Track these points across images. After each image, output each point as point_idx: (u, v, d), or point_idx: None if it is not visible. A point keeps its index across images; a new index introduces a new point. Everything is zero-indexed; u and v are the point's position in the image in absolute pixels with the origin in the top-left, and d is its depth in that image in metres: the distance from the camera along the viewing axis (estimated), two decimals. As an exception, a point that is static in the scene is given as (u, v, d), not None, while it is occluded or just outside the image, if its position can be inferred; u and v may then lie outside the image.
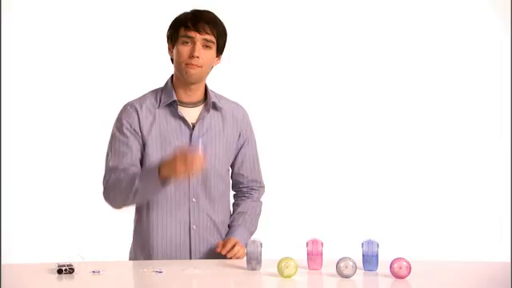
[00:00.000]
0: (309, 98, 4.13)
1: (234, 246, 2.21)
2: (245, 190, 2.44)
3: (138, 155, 2.24)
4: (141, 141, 2.25)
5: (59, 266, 1.97)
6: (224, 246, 2.21)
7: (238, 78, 3.91)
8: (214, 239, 2.31)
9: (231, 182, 2.44)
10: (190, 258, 2.28)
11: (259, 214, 2.45)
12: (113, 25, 3.99)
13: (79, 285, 1.90)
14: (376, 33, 4.12)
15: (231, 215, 2.41)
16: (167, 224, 2.27)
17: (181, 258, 2.28)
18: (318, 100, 4.13)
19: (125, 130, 2.25)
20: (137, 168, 2.22)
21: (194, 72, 2.21)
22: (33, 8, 3.98)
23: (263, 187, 2.49)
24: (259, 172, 2.46)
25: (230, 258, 2.20)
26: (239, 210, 2.40)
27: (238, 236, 2.29)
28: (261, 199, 2.49)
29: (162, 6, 2.32)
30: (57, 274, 1.95)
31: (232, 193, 2.47)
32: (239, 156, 2.38)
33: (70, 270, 1.96)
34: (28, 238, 3.94)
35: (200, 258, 2.28)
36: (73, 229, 3.91)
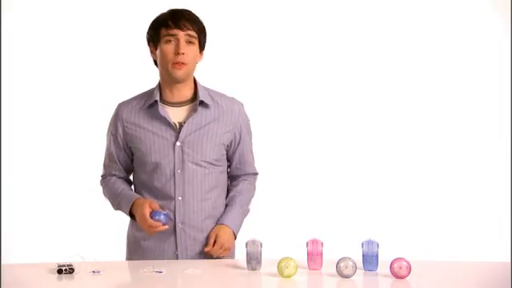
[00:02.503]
0: (309, 98, 4.12)
1: (220, 246, 2.27)
2: (240, 176, 2.44)
3: (124, 160, 2.38)
4: (125, 145, 2.34)
5: (59, 266, 1.97)
6: (212, 245, 2.27)
7: (238, 77, 3.91)
8: (203, 238, 2.31)
9: (231, 172, 2.45)
10: (176, 255, 2.29)
11: (253, 196, 2.46)
12: (112, 25, 3.99)
13: (79, 285, 1.90)
14: (376, 32, 4.12)
15: (228, 195, 2.42)
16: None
17: (167, 255, 2.29)
18: (318, 101, 4.13)
19: (112, 136, 2.36)
20: (122, 173, 2.40)
21: (180, 72, 2.24)
22: (33, 8, 3.98)
23: (257, 173, 2.49)
24: (253, 162, 2.46)
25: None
26: (236, 189, 2.40)
27: (229, 221, 2.31)
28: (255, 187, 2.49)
29: (161, 7, 2.32)
30: (57, 274, 1.95)
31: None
32: (237, 153, 2.39)
33: (70, 270, 1.96)
34: (28, 238, 3.94)
35: (186, 256, 2.29)
36: (73, 229, 3.91)
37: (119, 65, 3.95)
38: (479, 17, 4.07)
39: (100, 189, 2.45)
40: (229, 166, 2.43)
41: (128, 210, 2.29)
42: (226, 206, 2.38)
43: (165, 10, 2.30)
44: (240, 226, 2.36)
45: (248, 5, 4.08)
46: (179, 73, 2.23)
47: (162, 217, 2.17)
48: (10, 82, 3.96)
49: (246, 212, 2.40)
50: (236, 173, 2.43)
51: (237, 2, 4.06)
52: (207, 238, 2.29)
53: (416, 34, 4.11)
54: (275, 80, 4.12)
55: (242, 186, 2.41)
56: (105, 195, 2.42)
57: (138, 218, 2.24)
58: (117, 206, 2.36)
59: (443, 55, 4.10)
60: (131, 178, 2.43)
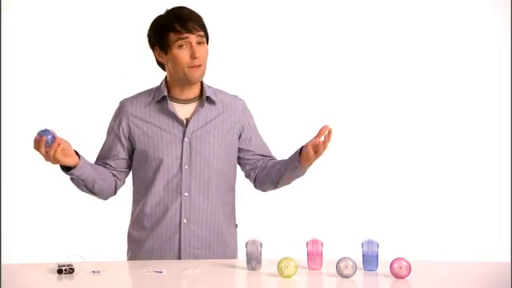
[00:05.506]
0: (309, 97, 4.12)
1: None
2: (265, 160, 2.41)
3: (123, 156, 2.33)
4: (127, 141, 2.32)
5: (59, 266, 1.97)
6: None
7: (239, 76, 3.91)
8: (208, 234, 2.31)
9: (250, 166, 2.41)
10: (179, 252, 2.29)
11: None
12: (112, 24, 3.99)
13: (79, 285, 1.90)
14: (376, 32, 4.12)
15: (274, 166, 2.36)
16: (157, 216, 2.29)
17: (170, 251, 2.29)
18: (318, 101, 4.13)
19: (114, 133, 2.33)
20: (114, 169, 2.34)
21: (197, 74, 2.24)
22: (33, 8, 3.98)
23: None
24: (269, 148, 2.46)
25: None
26: (277, 161, 2.39)
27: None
28: None
29: (160, 6, 2.32)
30: (57, 274, 1.95)
31: (237, 191, 2.46)
32: (253, 146, 2.38)
33: (70, 270, 1.96)
34: (28, 237, 3.94)
35: (190, 253, 2.29)
36: (73, 229, 3.91)
37: (119, 64, 3.95)
38: (479, 17, 4.07)
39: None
40: (248, 162, 2.40)
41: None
42: (277, 163, 2.35)
43: (163, 8, 2.29)
44: None
45: (248, 3, 4.09)
46: (196, 75, 2.24)
47: (47, 134, 2.04)
48: (10, 81, 3.96)
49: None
50: (263, 160, 2.41)
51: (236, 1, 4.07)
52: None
53: (416, 35, 4.11)
54: (274, 79, 4.12)
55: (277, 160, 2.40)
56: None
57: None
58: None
59: (443, 55, 4.10)
60: (120, 177, 2.37)
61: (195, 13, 2.27)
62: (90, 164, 2.27)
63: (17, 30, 3.97)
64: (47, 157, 2.07)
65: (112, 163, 2.34)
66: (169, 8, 2.27)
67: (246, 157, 2.40)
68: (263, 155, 2.42)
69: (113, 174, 2.34)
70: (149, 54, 2.35)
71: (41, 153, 2.06)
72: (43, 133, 2.05)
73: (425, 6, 4.10)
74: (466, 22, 4.09)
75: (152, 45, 2.30)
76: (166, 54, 2.25)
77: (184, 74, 2.24)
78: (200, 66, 2.23)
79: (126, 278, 2.04)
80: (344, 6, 4.13)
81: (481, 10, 4.06)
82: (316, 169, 4.06)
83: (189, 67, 2.22)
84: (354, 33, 4.13)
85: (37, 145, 2.05)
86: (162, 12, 2.28)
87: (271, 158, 2.44)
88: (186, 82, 2.26)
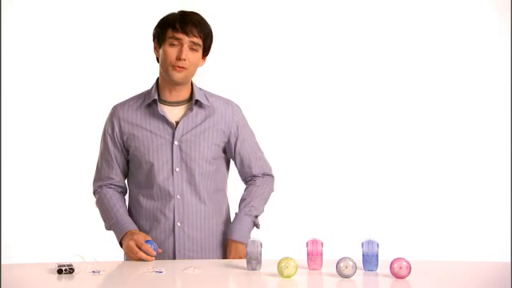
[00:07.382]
0: (308, 97, 4.13)
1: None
2: (249, 179, 2.43)
3: (121, 160, 2.36)
4: (121, 145, 2.34)
5: (59, 266, 1.97)
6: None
7: (238, 77, 3.92)
8: (202, 237, 2.31)
9: (240, 176, 2.45)
10: (174, 255, 2.29)
11: (261, 196, 2.40)
12: (112, 21, 4.00)
13: (79, 285, 1.90)
14: (376, 33, 4.12)
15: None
16: (152, 220, 2.30)
17: (165, 254, 2.29)
18: (318, 100, 4.13)
19: (108, 137, 2.34)
20: (119, 177, 2.37)
21: (179, 75, 2.24)
22: (33, 4, 3.98)
23: (270, 176, 2.46)
24: (262, 161, 2.44)
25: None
26: (243, 194, 2.42)
27: (237, 235, 2.31)
28: (269, 185, 2.45)
29: (158, 7, 2.32)
30: (57, 274, 1.95)
31: (237, 192, 2.46)
32: (237, 155, 2.39)
33: (70, 270, 1.96)
34: (28, 238, 3.94)
35: (184, 255, 2.30)
36: (73, 229, 3.91)
37: (119, 64, 3.95)
38: (479, 17, 4.07)
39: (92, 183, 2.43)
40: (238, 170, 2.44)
41: (119, 239, 2.29)
42: (237, 212, 2.39)
43: (162, 10, 2.29)
44: (249, 232, 2.35)
45: (247, 5, 4.09)
46: (178, 75, 2.23)
47: (154, 246, 2.19)
48: (10, 81, 3.96)
49: (252, 216, 2.36)
50: (244, 176, 2.43)
51: (235, 2, 4.07)
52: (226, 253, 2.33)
53: (416, 35, 4.11)
54: (274, 81, 4.12)
55: (248, 190, 2.41)
56: (97, 207, 2.39)
57: (124, 247, 2.24)
58: (108, 227, 2.35)
59: (443, 56, 4.10)
60: (126, 181, 2.41)
61: (204, 22, 2.26)
62: (126, 213, 2.34)
63: (17, 26, 3.97)
64: (135, 257, 2.18)
65: (114, 176, 2.36)
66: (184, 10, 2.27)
67: (237, 167, 2.43)
68: (244, 174, 2.42)
69: (122, 190, 2.39)
70: (146, 56, 2.35)
71: (139, 253, 2.17)
72: (154, 247, 2.18)
73: (425, 7, 4.09)
74: (466, 22, 4.09)
75: (153, 36, 2.30)
76: (159, 47, 2.26)
77: (167, 72, 2.24)
78: (184, 68, 2.23)
79: (126, 278, 2.04)
80: (344, 7, 4.12)
81: (481, 10, 4.06)
82: (316, 169, 4.10)
83: (172, 66, 2.22)
84: (353, 34, 4.13)
85: (143, 252, 2.16)
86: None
87: (249, 173, 2.43)
88: (170, 81, 2.27)
